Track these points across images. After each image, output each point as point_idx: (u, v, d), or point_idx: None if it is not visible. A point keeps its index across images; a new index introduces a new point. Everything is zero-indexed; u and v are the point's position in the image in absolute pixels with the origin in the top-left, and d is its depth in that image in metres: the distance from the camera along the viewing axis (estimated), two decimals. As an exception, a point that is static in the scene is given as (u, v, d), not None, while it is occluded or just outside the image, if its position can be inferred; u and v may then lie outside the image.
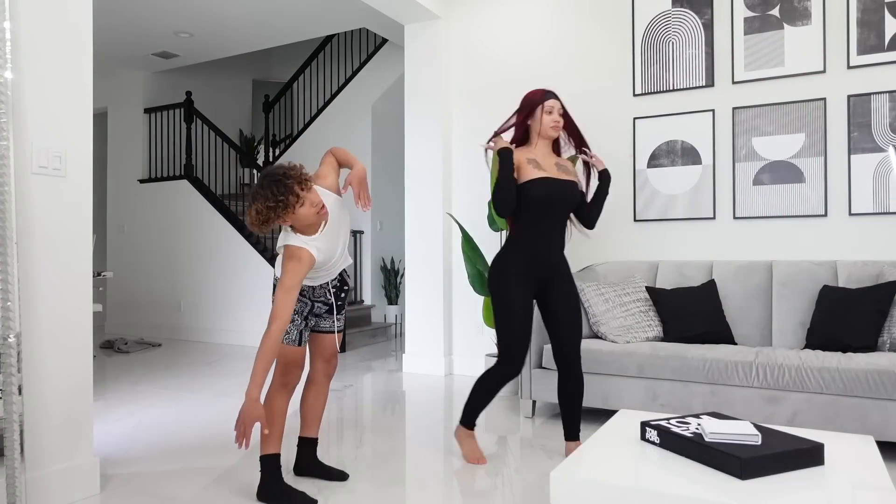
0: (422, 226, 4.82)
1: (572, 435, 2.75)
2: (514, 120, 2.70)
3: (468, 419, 2.74)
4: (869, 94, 3.53)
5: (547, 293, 2.67)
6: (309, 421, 2.51)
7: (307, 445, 2.52)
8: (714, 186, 3.91)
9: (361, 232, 7.02)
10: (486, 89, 4.73)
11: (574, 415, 2.73)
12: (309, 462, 2.51)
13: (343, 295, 2.47)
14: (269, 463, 2.28)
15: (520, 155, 2.61)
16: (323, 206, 2.16)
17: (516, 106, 4.59)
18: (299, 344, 2.33)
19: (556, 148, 2.76)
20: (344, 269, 2.47)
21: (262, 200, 2.08)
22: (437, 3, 4.74)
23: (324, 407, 2.54)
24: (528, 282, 2.61)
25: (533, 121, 2.64)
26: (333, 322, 2.46)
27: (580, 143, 2.76)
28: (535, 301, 2.89)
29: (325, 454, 2.84)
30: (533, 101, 2.63)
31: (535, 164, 2.59)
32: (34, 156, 2.18)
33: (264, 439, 2.29)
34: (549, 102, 2.61)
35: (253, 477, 2.55)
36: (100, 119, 8.13)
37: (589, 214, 2.78)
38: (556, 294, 2.66)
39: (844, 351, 3.02)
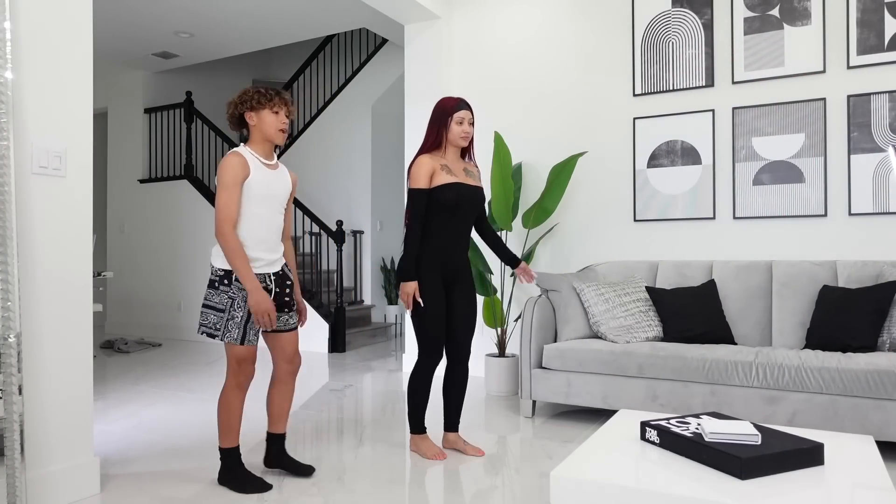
0: (422, 226, 4.82)
1: (454, 426, 2.90)
2: (430, 128, 2.80)
3: (417, 426, 2.82)
4: (869, 94, 3.53)
5: (450, 291, 2.82)
6: (275, 418, 2.58)
7: (276, 441, 2.59)
8: (714, 186, 3.91)
9: (361, 232, 7.03)
10: (485, 89, 4.73)
11: (457, 406, 2.90)
12: (278, 456, 2.58)
13: (287, 290, 2.49)
14: (229, 455, 2.40)
15: (433, 161, 2.70)
16: (287, 129, 2.40)
17: (515, 105, 4.60)
18: (242, 343, 2.32)
19: (463, 153, 2.88)
20: (286, 266, 2.52)
21: (254, 87, 2.37)
22: (437, 3, 4.74)
23: (290, 404, 2.58)
24: (438, 278, 2.75)
25: (444, 128, 2.74)
26: (287, 318, 2.49)
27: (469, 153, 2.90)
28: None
29: (324, 453, 2.84)
30: (445, 110, 2.74)
31: (447, 169, 2.72)
32: (34, 156, 2.18)
33: (222, 434, 2.38)
34: (461, 113, 2.72)
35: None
36: (100, 119, 8.13)
37: (484, 233, 2.98)
38: (459, 292, 2.83)
39: (844, 351, 3.02)
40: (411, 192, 2.69)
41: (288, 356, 2.52)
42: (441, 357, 2.77)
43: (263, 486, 2.36)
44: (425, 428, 2.85)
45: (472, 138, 2.83)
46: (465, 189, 2.73)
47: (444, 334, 2.77)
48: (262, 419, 3.43)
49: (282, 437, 2.59)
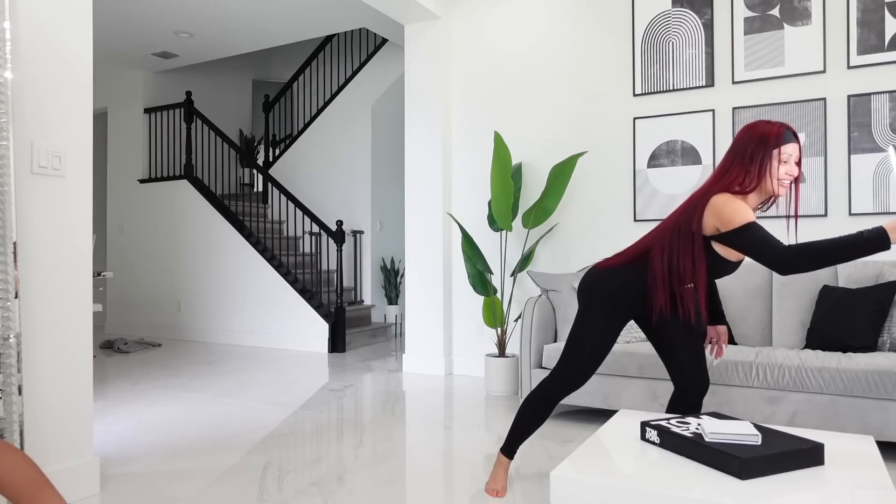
0: (422, 226, 4.82)
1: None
2: (737, 161, 2.03)
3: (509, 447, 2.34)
4: (869, 94, 3.53)
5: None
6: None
7: None
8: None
9: (361, 232, 7.02)
10: (486, 89, 4.73)
11: None
12: None
13: None
14: None
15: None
16: None
17: (515, 105, 4.60)
18: None
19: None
20: None
21: None
22: (437, 3, 4.74)
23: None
24: None
25: (760, 172, 1.98)
26: None
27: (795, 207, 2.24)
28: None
29: (324, 453, 2.84)
30: (767, 141, 1.98)
31: None
32: (34, 156, 2.18)
33: None
34: (789, 148, 1.98)
35: (253, 476, 2.55)
36: (100, 119, 8.13)
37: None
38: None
39: (844, 351, 3.02)
40: (751, 226, 1.89)
41: None
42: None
43: None
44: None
45: (798, 178, 2.05)
46: (731, 268, 2.12)
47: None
48: (260, 419, 3.43)
49: None
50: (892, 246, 1.96)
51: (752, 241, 1.88)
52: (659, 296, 2.08)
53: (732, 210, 1.92)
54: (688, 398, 2.25)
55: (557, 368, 2.23)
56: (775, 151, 1.97)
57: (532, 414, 2.28)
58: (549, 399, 2.25)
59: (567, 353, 2.21)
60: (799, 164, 2.02)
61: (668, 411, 2.30)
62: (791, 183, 2.10)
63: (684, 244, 2.03)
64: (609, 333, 2.17)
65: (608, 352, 2.21)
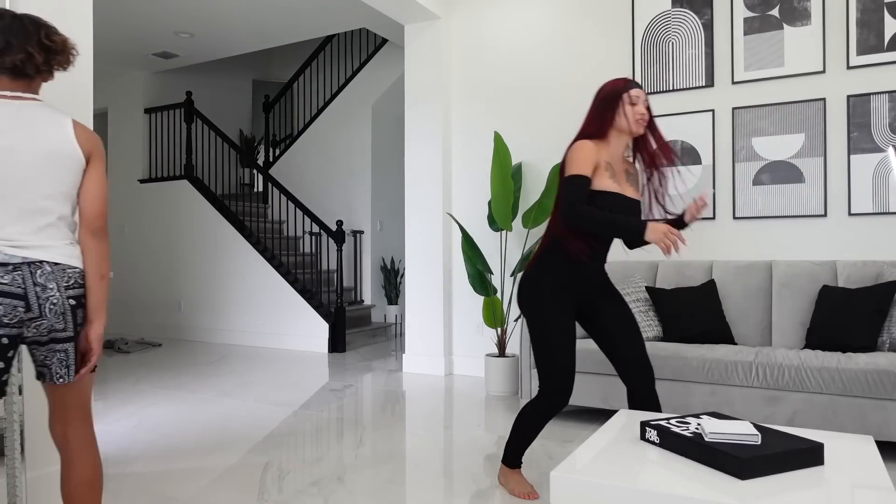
0: (422, 226, 4.82)
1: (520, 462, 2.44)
2: (593, 114, 2.29)
3: (513, 457, 2.38)
4: (868, 95, 3.53)
5: (595, 308, 2.36)
6: None
7: None
8: (714, 186, 3.91)
9: (361, 232, 7.02)
10: (486, 89, 4.73)
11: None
12: None
13: (75, 308, 1.55)
14: None
15: (597, 153, 2.21)
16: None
17: (515, 105, 4.59)
18: None
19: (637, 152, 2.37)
20: (78, 273, 1.58)
21: None
22: (437, 3, 4.74)
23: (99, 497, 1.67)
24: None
25: (612, 112, 2.24)
26: (64, 361, 1.55)
27: (664, 151, 2.32)
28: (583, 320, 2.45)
29: (324, 453, 2.84)
30: (616, 90, 2.25)
31: (611, 170, 2.23)
32: (34, 156, 2.17)
33: None
34: (635, 92, 2.24)
35: (253, 476, 2.55)
36: (100, 119, 8.13)
37: None
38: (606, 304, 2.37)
39: (844, 351, 3.02)
40: (572, 178, 2.14)
41: (65, 412, 1.63)
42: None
43: None
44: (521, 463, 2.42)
45: (654, 123, 2.31)
46: (624, 204, 2.22)
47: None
48: (260, 418, 3.43)
49: None
50: (647, 243, 2.16)
51: (565, 188, 2.15)
52: (574, 243, 2.22)
53: (572, 159, 2.19)
54: (639, 388, 2.28)
55: (542, 383, 2.25)
56: (624, 96, 2.23)
57: (527, 427, 2.30)
58: (545, 413, 2.26)
59: (541, 362, 2.24)
60: (649, 111, 2.25)
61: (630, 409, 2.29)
62: (657, 164, 2.33)
63: (560, 191, 2.22)
64: (565, 322, 2.23)
65: (575, 341, 2.27)
